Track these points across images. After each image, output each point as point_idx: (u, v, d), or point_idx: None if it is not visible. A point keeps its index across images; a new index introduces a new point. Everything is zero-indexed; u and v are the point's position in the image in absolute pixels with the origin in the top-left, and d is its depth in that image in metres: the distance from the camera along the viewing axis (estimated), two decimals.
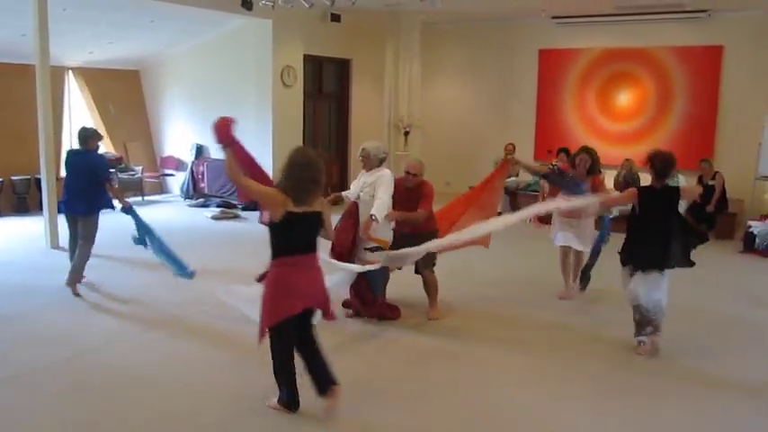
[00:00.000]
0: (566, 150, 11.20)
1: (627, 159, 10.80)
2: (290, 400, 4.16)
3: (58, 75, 11.18)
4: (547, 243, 7.30)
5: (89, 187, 6.76)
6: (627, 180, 10.59)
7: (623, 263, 5.41)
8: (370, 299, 5.94)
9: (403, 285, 6.42)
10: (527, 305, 6.67)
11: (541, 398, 4.54)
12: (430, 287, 6.19)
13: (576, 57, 12.75)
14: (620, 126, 12.45)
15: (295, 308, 3.97)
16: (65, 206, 6.97)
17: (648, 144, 12.00)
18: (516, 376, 4.91)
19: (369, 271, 5.63)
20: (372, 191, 5.76)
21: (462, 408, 4.39)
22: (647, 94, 12.16)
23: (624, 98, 12.42)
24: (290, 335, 4.07)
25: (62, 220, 8.99)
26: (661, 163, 5.18)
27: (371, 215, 5.60)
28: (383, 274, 5.90)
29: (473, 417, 4.27)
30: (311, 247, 4.10)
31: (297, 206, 3.90)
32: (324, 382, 4.13)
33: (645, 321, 5.23)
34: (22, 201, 11.08)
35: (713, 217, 10.03)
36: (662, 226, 5.17)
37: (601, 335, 5.80)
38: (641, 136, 12.18)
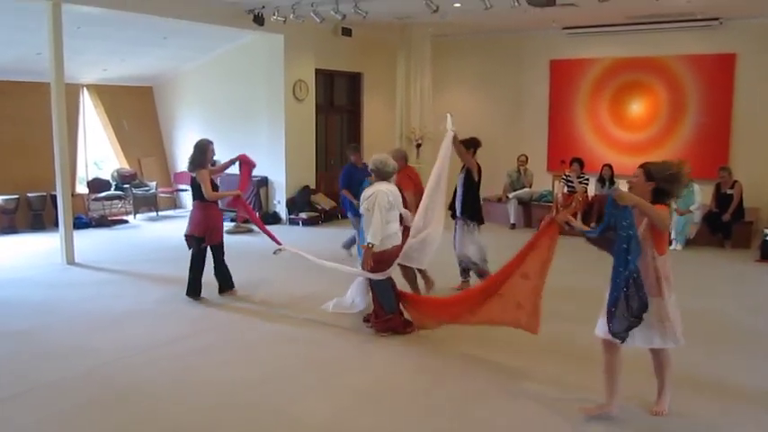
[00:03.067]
0: (579, 161, 11.20)
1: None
2: None
3: (72, 92, 11.29)
4: (556, 255, 7.24)
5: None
6: None
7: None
8: (380, 313, 5.95)
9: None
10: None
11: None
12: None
13: (587, 67, 12.73)
14: (632, 135, 12.40)
15: None
16: None
17: (662, 153, 11.97)
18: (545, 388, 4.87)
19: (376, 289, 5.90)
20: (370, 205, 5.78)
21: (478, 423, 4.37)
22: (660, 103, 12.12)
23: (636, 107, 12.37)
24: None
25: (78, 237, 9.11)
26: None
27: (368, 243, 5.73)
28: (388, 289, 5.94)
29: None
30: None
31: None
32: None
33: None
34: (38, 217, 11.17)
35: (729, 226, 9.94)
36: None
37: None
38: (654, 145, 12.11)
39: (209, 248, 6.95)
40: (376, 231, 5.71)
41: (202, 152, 6.94)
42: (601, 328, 4.32)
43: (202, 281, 7.00)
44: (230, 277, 7.15)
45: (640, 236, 4.04)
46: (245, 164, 7.49)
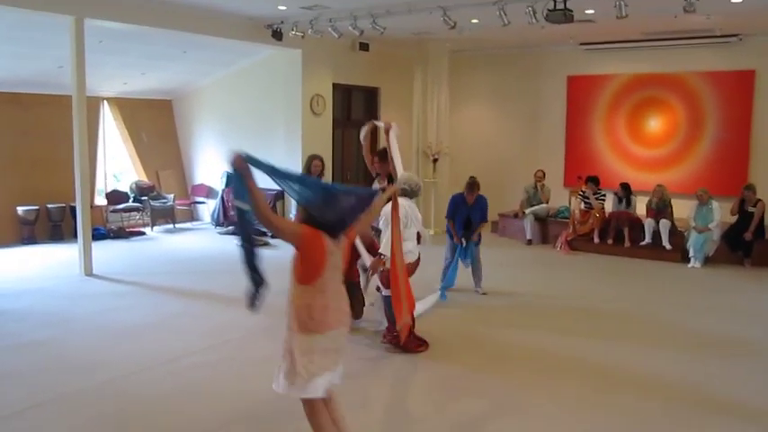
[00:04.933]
0: (594, 180, 11.15)
1: (658, 185, 10.67)
2: None
3: (93, 105, 11.42)
4: (573, 272, 7.21)
5: None
6: (659, 206, 10.48)
7: None
8: (392, 329, 5.94)
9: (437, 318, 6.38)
10: (558, 334, 6.58)
11: None
12: None
13: (605, 83, 12.70)
14: (650, 152, 12.33)
15: None
16: None
17: (680, 170, 11.92)
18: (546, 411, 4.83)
19: (386, 304, 5.93)
20: (385, 222, 5.81)
21: None
22: (678, 119, 12.04)
23: (654, 124, 12.30)
24: None
25: (96, 248, 9.18)
26: None
27: (380, 254, 5.81)
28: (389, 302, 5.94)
29: None
30: None
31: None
32: None
33: None
34: (57, 228, 11.28)
35: (750, 244, 9.83)
36: None
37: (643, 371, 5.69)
38: (672, 162, 12.04)
39: None
40: (388, 245, 5.70)
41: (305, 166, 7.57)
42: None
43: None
44: None
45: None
46: None
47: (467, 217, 7.97)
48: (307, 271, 3.48)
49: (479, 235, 8.06)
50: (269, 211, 3.46)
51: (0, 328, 6.54)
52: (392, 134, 6.74)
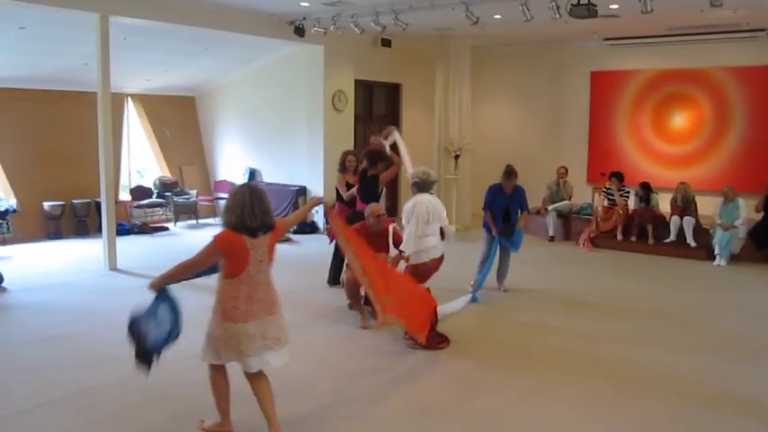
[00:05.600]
0: (618, 175, 11.04)
1: (682, 183, 10.54)
2: None
3: (117, 101, 11.55)
4: (595, 269, 7.16)
5: None
6: (683, 203, 10.36)
7: None
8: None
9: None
10: (577, 331, 6.54)
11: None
12: None
13: (629, 78, 12.57)
14: (675, 148, 12.18)
15: None
16: None
17: (705, 167, 11.77)
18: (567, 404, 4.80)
19: None
20: (409, 216, 5.81)
21: None
22: (704, 115, 11.88)
23: (679, 120, 12.15)
24: None
25: (120, 243, 9.27)
26: None
27: (401, 252, 5.82)
28: None
29: None
30: None
31: None
32: None
33: None
34: (82, 223, 11.42)
35: None
36: None
37: (658, 367, 5.63)
38: (697, 158, 11.90)
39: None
40: (409, 241, 5.70)
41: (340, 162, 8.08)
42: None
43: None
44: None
45: None
46: None
47: (505, 208, 7.71)
48: (231, 267, 3.87)
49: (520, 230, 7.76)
50: (184, 269, 3.97)
51: (25, 322, 6.65)
52: (396, 136, 6.89)
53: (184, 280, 4.07)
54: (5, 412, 4.52)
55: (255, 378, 4.08)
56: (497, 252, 7.72)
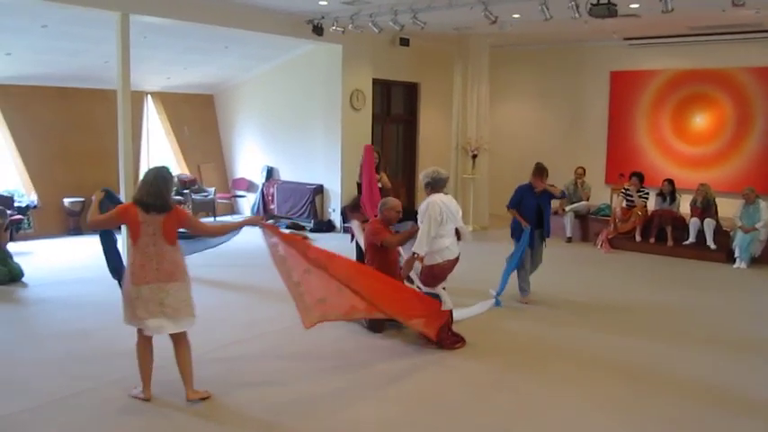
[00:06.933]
0: (638, 175, 10.96)
1: (702, 184, 10.42)
2: None
3: (137, 99, 11.64)
4: (613, 271, 7.10)
5: None
6: (703, 205, 10.25)
7: None
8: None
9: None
10: (590, 331, 6.50)
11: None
12: None
13: (649, 78, 12.47)
14: (695, 149, 12.07)
15: None
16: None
17: (726, 168, 11.65)
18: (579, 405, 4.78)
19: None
20: (423, 218, 5.75)
21: None
22: (725, 116, 11.76)
23: (700, 121, 12.04)
24: None
25: None
26: None
27: (414, 253, 5.72)
28: None
29: None
30: None
31: None
32: None
33: None
34: None
35: None
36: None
37: (669, 365, 5.59)
38: (718, 160, 11.78)
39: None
40: (421, 242, 5.67)
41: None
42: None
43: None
44: None
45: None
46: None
47: (536, 207, 7.32)
48: (130, 234, 4.50)
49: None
50: (97, 222, 4.74)
51: (48, 316, 6.75)
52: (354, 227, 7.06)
53: (101, 233, 5.16)
54: (26, 405, 4.57)
55: (176, 343, 4.64)
56: (527, 257, 7.34)
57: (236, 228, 5.26)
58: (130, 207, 4.52)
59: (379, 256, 6.27)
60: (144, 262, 4.48)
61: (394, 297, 5.77)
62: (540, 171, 7.37)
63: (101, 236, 5.16)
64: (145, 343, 4.63)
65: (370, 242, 6.31)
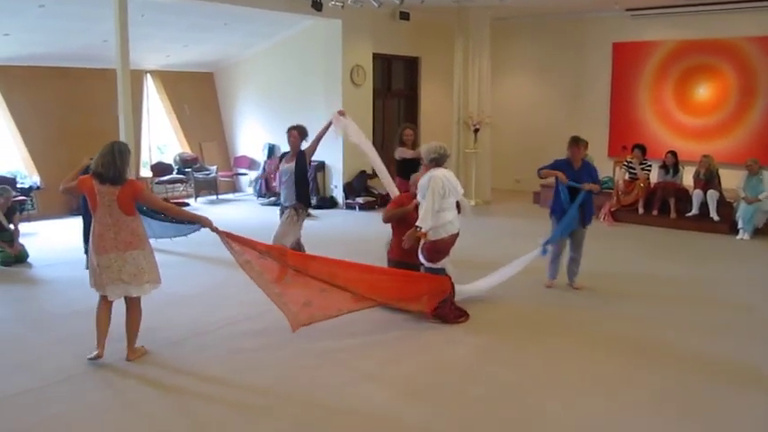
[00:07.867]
0: (641, 147, 10.92)
1: (705, 156, 10.39)
2: None
3: (137, 78, 11.58)
4: (617, 243, 7.07)
5: None
6: (706, 177, 10.23)
7: None
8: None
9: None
10: (584, 306, 6.52)
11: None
12: None
13: (652, 50, 12.36)
14: (698, 121, 12.00)
15: None
16: None
17: (729, 140, 11.59)
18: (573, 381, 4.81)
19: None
20: (425, 192, 5.73)
21: (519, 412, 4.34)
22: (728, 87, 11.67)
23: (703, 92, 11.95)
24: None
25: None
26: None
27: (416, 227, 5.70)
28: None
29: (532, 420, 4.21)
30: None
31: None
32: None
33: None
34: None
35: None
36: None
37: (652, 339, 5.61)
38: (721, 131, 11.71)
39: None
40: (426, 216, 5.66)
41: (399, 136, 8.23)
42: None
43: None
44: None
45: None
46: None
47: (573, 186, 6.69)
48: (90, 204, 4.79)
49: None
50: (65, 183, 5.14)
51: (54, 296, 6.81)
52: (345, 124, 6.94)
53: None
54: (35, 384, 4.62)
55: (128, 307, 4.97)
56: (567, 240, 6.88)
57: (192, 220, 5.47)
58: (88, 179, 4.80)
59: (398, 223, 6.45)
60: (102, 231, 4.75)
61: (387, 284, 5.88)
62: (577, 142, 6.64)
63: (82, 209, 5.36)
64: (104, 306, 4.94)
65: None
